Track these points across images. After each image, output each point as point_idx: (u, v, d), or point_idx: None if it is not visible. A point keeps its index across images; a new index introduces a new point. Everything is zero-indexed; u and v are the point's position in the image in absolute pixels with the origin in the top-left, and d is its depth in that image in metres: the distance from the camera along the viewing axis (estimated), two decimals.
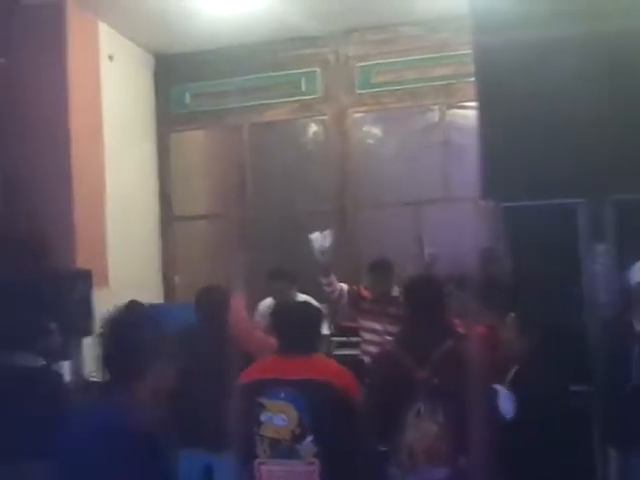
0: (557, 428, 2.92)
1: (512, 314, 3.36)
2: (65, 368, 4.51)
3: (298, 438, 2.98)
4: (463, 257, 6.08)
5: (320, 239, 4.86)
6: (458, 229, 6.53)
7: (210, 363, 3.53)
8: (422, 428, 2.92)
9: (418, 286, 3.33)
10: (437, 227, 6.68)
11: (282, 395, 3.01)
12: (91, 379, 4.91)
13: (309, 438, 2.97)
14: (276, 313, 3.54)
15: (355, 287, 5.14)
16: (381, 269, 5.01)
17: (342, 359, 4.92)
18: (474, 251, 5.99)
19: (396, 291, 4.85)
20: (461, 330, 4.08)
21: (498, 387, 3.06)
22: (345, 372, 3.19)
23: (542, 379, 3.08)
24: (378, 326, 4.80)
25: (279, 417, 3.00)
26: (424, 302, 3.16)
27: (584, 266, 3.99)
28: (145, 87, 7.18)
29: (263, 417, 3.03)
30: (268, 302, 5.07)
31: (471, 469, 2.87)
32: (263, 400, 3.03)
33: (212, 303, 4.07)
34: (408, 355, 3.03)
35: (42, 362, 3.67)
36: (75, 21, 6.04)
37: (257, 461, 3.06)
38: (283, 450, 3.00)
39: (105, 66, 6.42)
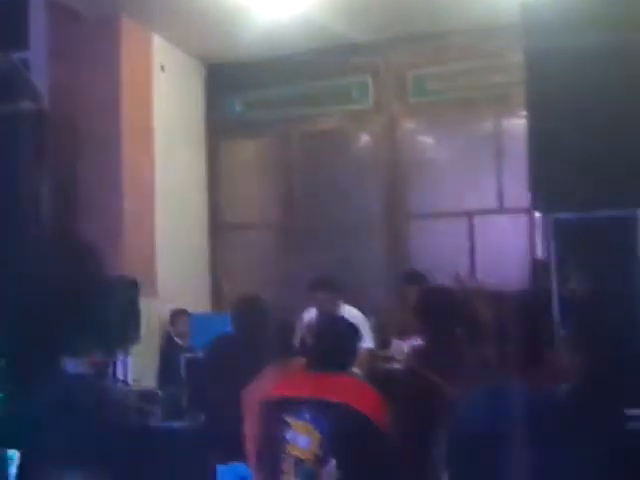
0: (609, 457, 2.73)
1: (564, 329, 3.17)
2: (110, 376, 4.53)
3: (321, 461, 2.87)
4: (515, 269, 5.94)
5: (399, 346, 4.77)
6: (511, 241, 6.38)
7: (243, 374, 3.48)
8: None
9: (436, 299, 3.18)
10: (490, 238, 6.53)
11: (306, 416, 2.91)
12: (135, 387, 4.94)
13: (332, 462, 2.86)
14: (308, 329, 3.47)
15: None
16: (415, 281, 4.89)
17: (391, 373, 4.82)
18: (526, 263, 5.85)
19: None
20: None
21: None
22: (369, 392, 3.07)
23: (595, 402, 2.90)
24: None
25: (303, 438, 2.90)
26: (444, 315, 3.02)
27: None
28: (196, 96, 7.25)
29: (289, 435, 2.94)
30: (311, 312, 4.99)
31: None
32: (289, 418, 2.94)
33: (247, 313, 4.04)
34: (436, 371, 2.89)
35: (90, 370, 3.69)
36: (129, 33, 6.16)
37: (283, 478, 2.98)
38: (307, 471, 2.90)
39: (157, 76, 6.50)
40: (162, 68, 6.54)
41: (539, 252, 5.95)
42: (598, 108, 3.94)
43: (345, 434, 2.87)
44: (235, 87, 7.24)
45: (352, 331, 3.27)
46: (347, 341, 3.17)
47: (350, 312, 4.83)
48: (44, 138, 5.43)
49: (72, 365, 3.66)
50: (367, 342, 4.97)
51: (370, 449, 2.87)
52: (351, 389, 3.05)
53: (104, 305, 5.00)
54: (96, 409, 3.60)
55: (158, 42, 6.54)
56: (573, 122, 4.00)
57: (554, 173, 4.01)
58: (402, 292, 5.06)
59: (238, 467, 3.90)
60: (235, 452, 3.75)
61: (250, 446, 3.38)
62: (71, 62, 6.06)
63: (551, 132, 4.05)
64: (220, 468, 4.07)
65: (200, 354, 4.65)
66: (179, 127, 6.88)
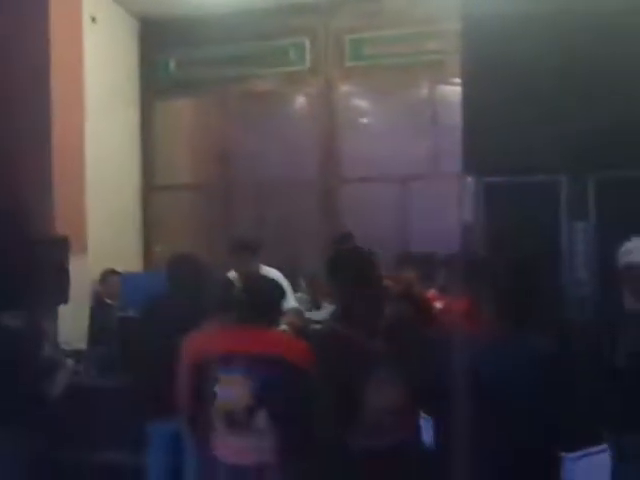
0: None
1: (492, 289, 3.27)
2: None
3: (252, 412, 2.93)
4: (447, 233, 6.08)
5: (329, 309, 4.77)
6: (444, 205, 6.51)
7: (176, 332, 3.48)
8: (385, 394, 2.90)
9: (344, 261, 3.26)
10: (423, 203, 6.64)
11: (237, 369, 2.96)
12: (64, 347, 4.87)
13: (262, 413, 2.93)
14: (238, 286, 3.52)
15: None
16: (344, 242, 4.96)
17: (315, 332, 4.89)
18: (457, 227, 5.99)
19: None
20: (439, 304, 4.11)
21: None
22: (298, 345, 3.14)
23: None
24: None
25: (233, 391, 2.95)
26: (362, 276, 3.10)
27: (564, 243, 3.94)
28: (129, 52, 7.05)
29: (219, 390, 2.98)
30: (233, 274, 4.99)
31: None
32: (218, 373, 2.99)
33: (182, 272, 4.03)
34: (354, 329, 2.96)
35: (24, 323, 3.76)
36: None
37: (213, 433, 3.02)
38: (237, 424, 2.96)
39: (88, 29, 6.28)
40: (93, 20, 6.31)
41: (470, 217, 6.12)
42: (531, 77, 4.06)
43: (275, 384, 2.93)
44: (170, 45, 7.07)
45: (276, 287, 3.33)
46: (272, 296, 3.22)
47: (270, 273, 4.84)
48: None
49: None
50: (291, 302, 5.00)
51: (299, 397, 2.94)
52: (280, 341, 3.13)
53: (32, 262, 4.92)
54: (24, 361, 3.65)
55: None
56: (505, 90, 4.11)
57: (485, 139, 4.12)
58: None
59: (169, 425, 3.92)
60: (167, 410, 3.77)
61: (182, 402, 3.40)
62: None
63: (484, 99, 4.16)
64: (150, 427, 4.10)
65: (132, 313, 4.61)
66: (111, 84, 6.69)
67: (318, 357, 2.96)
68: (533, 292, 2.89)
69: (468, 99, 4.28)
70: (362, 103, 7.04)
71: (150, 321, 4.07)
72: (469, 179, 4.53)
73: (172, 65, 7.17)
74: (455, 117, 6.15)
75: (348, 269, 3.11)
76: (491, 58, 4.17)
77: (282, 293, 3.33)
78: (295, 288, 5.39)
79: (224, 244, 6.49)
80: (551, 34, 4.02)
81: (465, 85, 4.30)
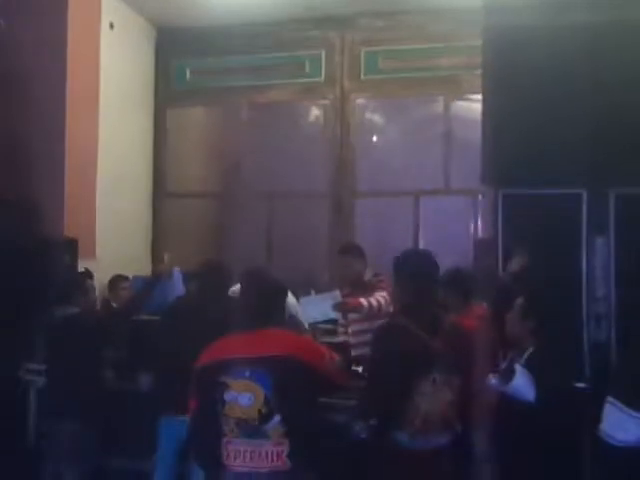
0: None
1: (519, 299, 3.23)
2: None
3: (265, 418, 2.85)
4: (459, 248, 6.05)
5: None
6: (456, 221, 6.48)
7: (200, 336, 3.43)
8: (438, 396, 2.92)
9: (418, 260, 3.27)
10: (435, 218, 6.61)
11: (247, 374, 2.87)
12: None
13: (276, 418, 2.85)
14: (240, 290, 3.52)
15: None
16: (347, 251, 4.85)
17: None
18: (470, 243, 5.97)
19: (368, 275, 4.64)
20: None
21: (519, 368, 2.99)
22: (309, 343, 3.14)
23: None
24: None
25: (244, 396, 2.86)
26: (426, 275, 3.12)
27: (584, 258, 3.89)
28: (145, 59, 7.04)
29: (228, 397, 2.89)
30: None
31: (468, 435, 2.97)
32: (227, 379, 2.90)
33: (215, 278, 4.05)
34: (419, 326, 2.98)
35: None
36: None
37: (224, 440, 2.92)
38: (250, 430, 2.86)
39: (105, 34, 6.29)
40: (111, 26, 6.32)
41: (482, 233, 6.08)
42: (552, 91, 4.04)
43: (289, 385, 2.86)
44: (186, 53, 7.05)
45: (274, 286, 3.25)
46: (271, 296, 3.14)
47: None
48: None
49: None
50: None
51: (316, 399, 2.89)
52: (290, 341, 3.03)
53: (42, 264, 4.92)
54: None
55: None
56: (526, 103, 4.09)
57: (505, 150, 4.09)
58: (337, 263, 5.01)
59: (179, 428, 3.86)
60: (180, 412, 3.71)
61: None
62: (17, 14, 5.82)
63: (505, 112, 4.14)
64: (160, 430, 4.05)
65: (145, 317, 4.59)
66: (126, 90, 6.68)
67: (379, 346, 3.01)
68: None
69: (489, 111, 4.26)
70: (376, 116, 7.03)
71: (174, 324, 4.06)
72: (487, 192, 4.51)
73: (188, 73, 7.14)
74: (469, 133, 6.18)
75: (413, 267, 3.13)
76: (513, 70, 4.16)
77: (281, 294, 3.25)
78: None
79: (232, 254, 6.49)
80: (574, 48, 4.00)
81: (486, 97, 4.28)
